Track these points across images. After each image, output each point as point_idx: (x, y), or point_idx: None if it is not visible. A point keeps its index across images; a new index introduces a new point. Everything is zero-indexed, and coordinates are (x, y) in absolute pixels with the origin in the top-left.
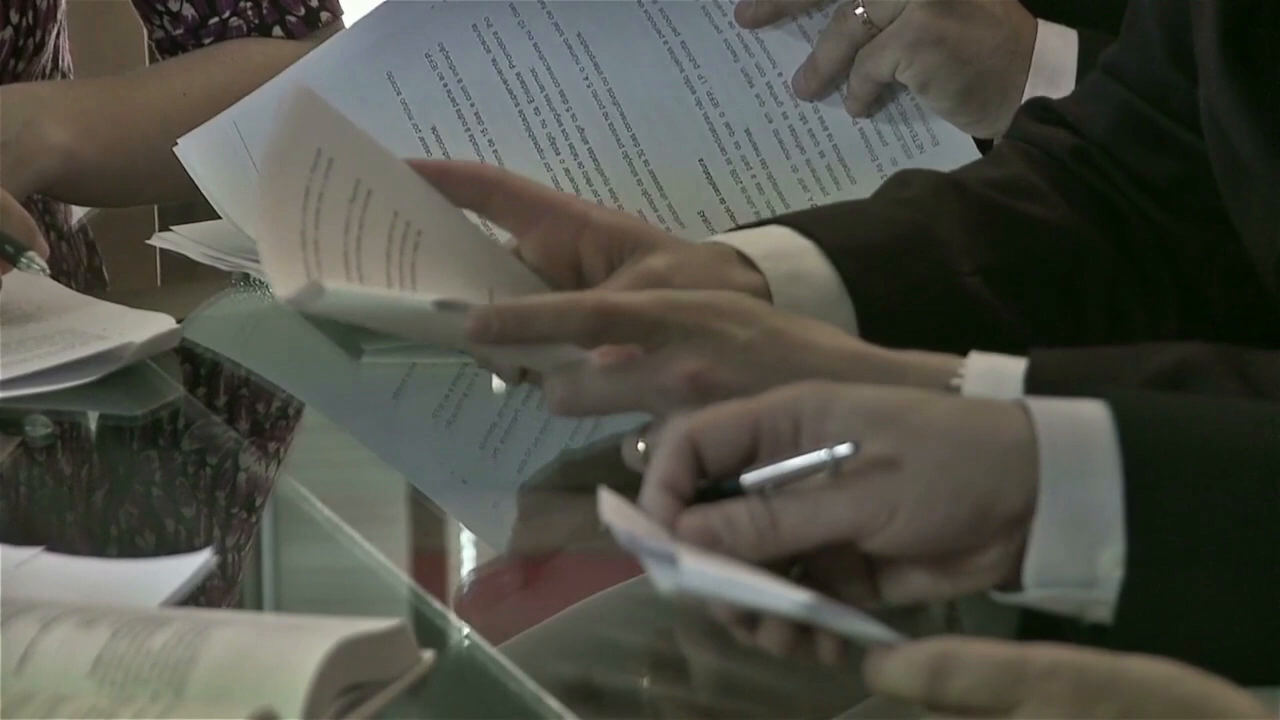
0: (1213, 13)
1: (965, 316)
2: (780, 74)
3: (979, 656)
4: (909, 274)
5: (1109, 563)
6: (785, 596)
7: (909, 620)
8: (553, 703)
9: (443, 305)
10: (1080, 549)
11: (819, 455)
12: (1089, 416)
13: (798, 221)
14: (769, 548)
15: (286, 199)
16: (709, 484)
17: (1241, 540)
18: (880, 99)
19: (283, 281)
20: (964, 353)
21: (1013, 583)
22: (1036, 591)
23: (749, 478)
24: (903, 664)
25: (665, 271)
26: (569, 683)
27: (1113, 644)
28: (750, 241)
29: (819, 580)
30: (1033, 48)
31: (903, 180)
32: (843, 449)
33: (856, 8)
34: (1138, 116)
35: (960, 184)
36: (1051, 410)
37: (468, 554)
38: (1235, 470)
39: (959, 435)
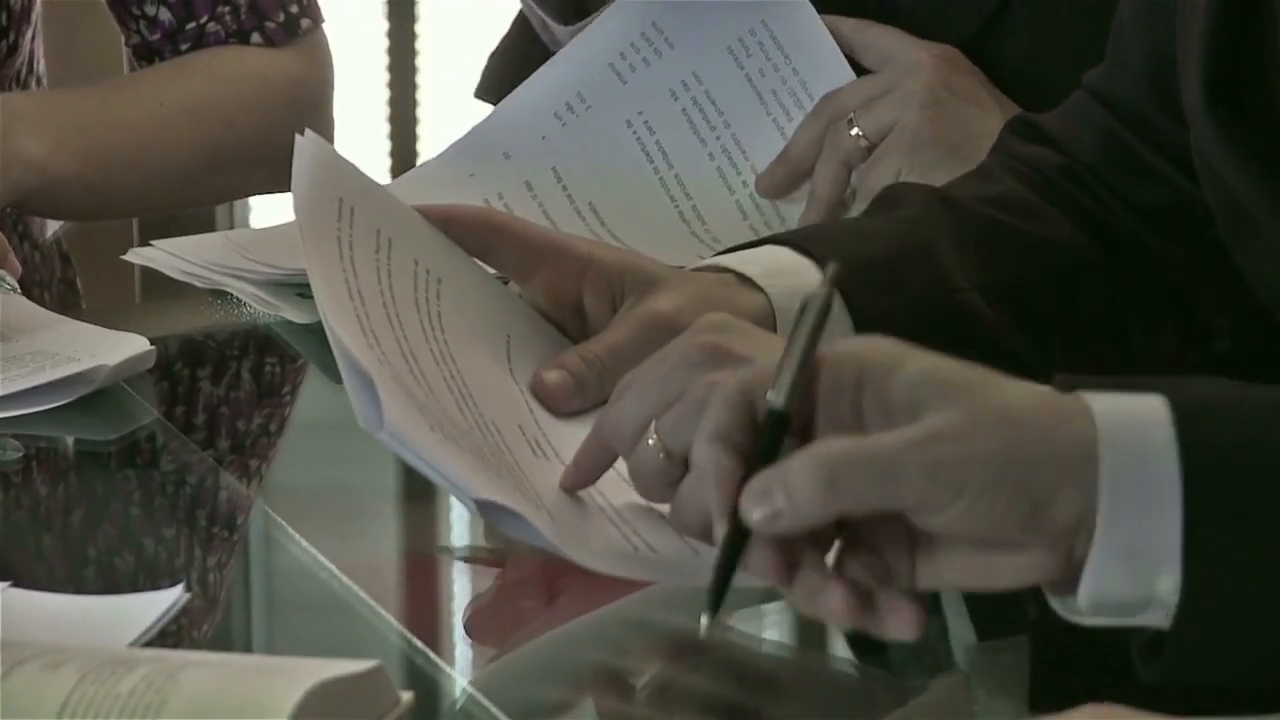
0: (1197, 65)
1: (963, 332)
2: (782, 220)
3: None
4: (907, 290)
5: (1166, 589)
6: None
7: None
8: None
9: None
10: (1137, 576)
11: None
12: (1154, 437)
13: (793, 240)
14: (830, 508)
15: (326, 251)
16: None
17: None
18: None
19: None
20: None
21: (1058, 586)
22: (1092, 619)
23: None
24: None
25: (673, 313)
26: (552, 711)
27: (1167, 662)
28: (748, 261)
29: (863, 546)
30: None
31: (893, 198)
32: None
33: (852, 128)
34: (1122, 144)
35: (953, 200)
36: (1115, 421)
37: (459, 577)
38: None
39: (1029, 426)
